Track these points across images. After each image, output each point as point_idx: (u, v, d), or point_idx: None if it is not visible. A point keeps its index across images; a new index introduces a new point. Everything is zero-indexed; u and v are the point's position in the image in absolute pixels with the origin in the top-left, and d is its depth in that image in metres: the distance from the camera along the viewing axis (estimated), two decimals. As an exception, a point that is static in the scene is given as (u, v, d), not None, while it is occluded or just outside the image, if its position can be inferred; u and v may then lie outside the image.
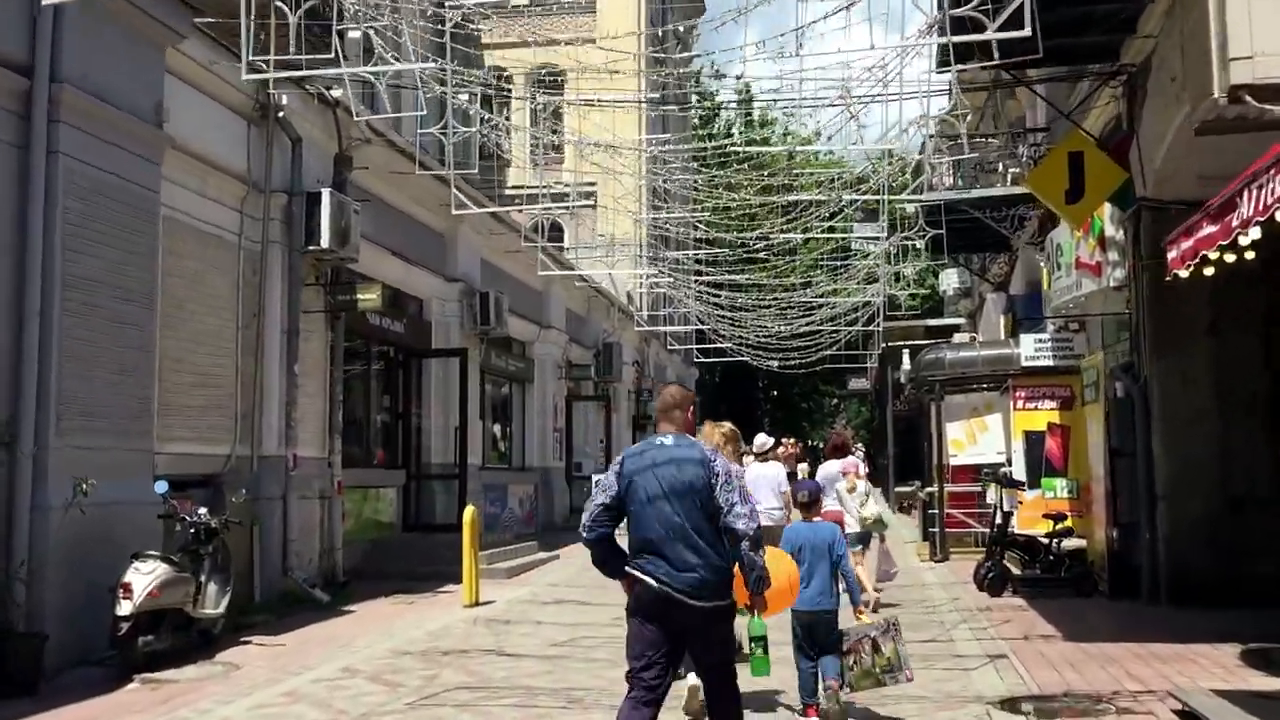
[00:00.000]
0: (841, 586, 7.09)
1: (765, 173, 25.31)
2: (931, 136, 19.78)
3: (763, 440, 13.40)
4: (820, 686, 6.81)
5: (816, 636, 6.86)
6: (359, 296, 13.08)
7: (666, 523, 5.12)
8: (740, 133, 52.55)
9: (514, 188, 32.25)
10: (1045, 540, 13.00)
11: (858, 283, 23.75)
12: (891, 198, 20.60)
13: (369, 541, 15.17)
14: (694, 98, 52.12)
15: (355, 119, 13.41)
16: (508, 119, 37.22)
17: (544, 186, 21.17)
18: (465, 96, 13.09)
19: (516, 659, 9.30)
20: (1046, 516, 13.40)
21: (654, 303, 32.36)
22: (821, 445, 37.32)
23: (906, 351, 23.12)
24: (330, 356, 13.49)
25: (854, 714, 7.10)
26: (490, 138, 15.27)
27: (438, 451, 17.16)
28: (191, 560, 9.46)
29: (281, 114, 12.32)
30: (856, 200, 19.64)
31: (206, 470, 11.37)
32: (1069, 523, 13.34)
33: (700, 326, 25.62)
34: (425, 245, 17.29)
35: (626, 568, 5.27)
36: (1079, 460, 16.02)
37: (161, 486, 9.49)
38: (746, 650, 5.57)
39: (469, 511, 12.63)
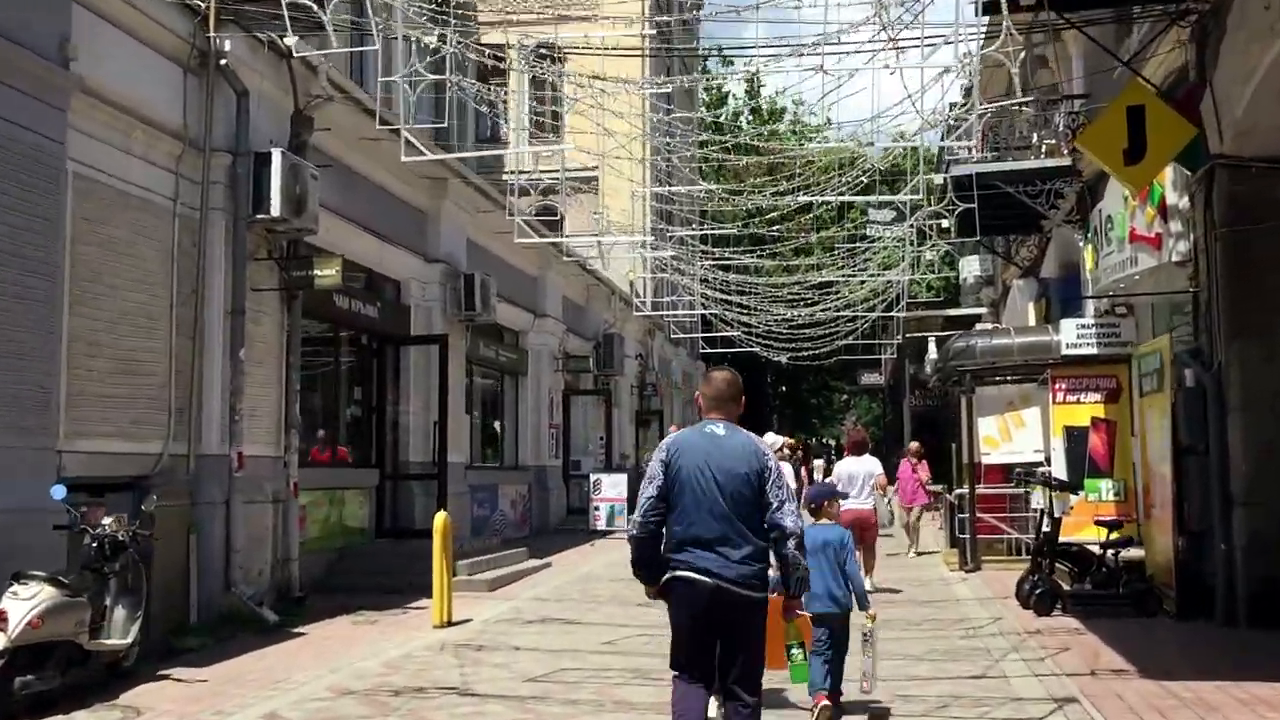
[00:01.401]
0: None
1: (773, 156, 23.89)
2: (960, 104, 18.24)
3: (773, 439, 12.84)
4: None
5: (832, 635, 6.91)
6: (316, 273, 11.47)
7: (719, 514, 5.01)
8: (748, 122, 51.18)
9: (510, 173, 30.90)
10: (1099, 551, 11.38)
11: (876, 267, 22.13)
12: (915, 179, 19.03)
13: (335, 550, 13.60)
14: (701, 75, 50.61)
15: (316, 72, 11.91)
16: (504, 101, 35.72)
17: (537, 173, 19.82)
18: (434, 39, 11.45)
19: (481, 701, 7.70)
20: (1099, 523, 11.78)
21: (658, 290, 30.76)
22: (831, 443, 35.90)
23: (933, 340, 21.41)
24: (286, 341, 11.90)
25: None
26: (470, 94, 13.63)
27: (417, 449, 15.57)
28: (94, 580, 7.90)
29: (224, 62, 10.73)
30: (876, 175, 18.00)
31: (132, 471, 9.80)
32: (1128, 530, 11.72)
33: (706, 310, 23.97)
34: (403, 222, 15.71)
35: (671, 569, 5.06)
36: (1125, 459, 14.43)
37: (59, 492, 7.91)
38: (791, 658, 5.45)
39: (440, 518, 11.04)
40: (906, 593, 13.20)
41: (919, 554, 16.77)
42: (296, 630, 10.51)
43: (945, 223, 17.79)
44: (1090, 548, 11.78)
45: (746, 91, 47.96)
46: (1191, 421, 10.55)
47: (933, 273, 19.71)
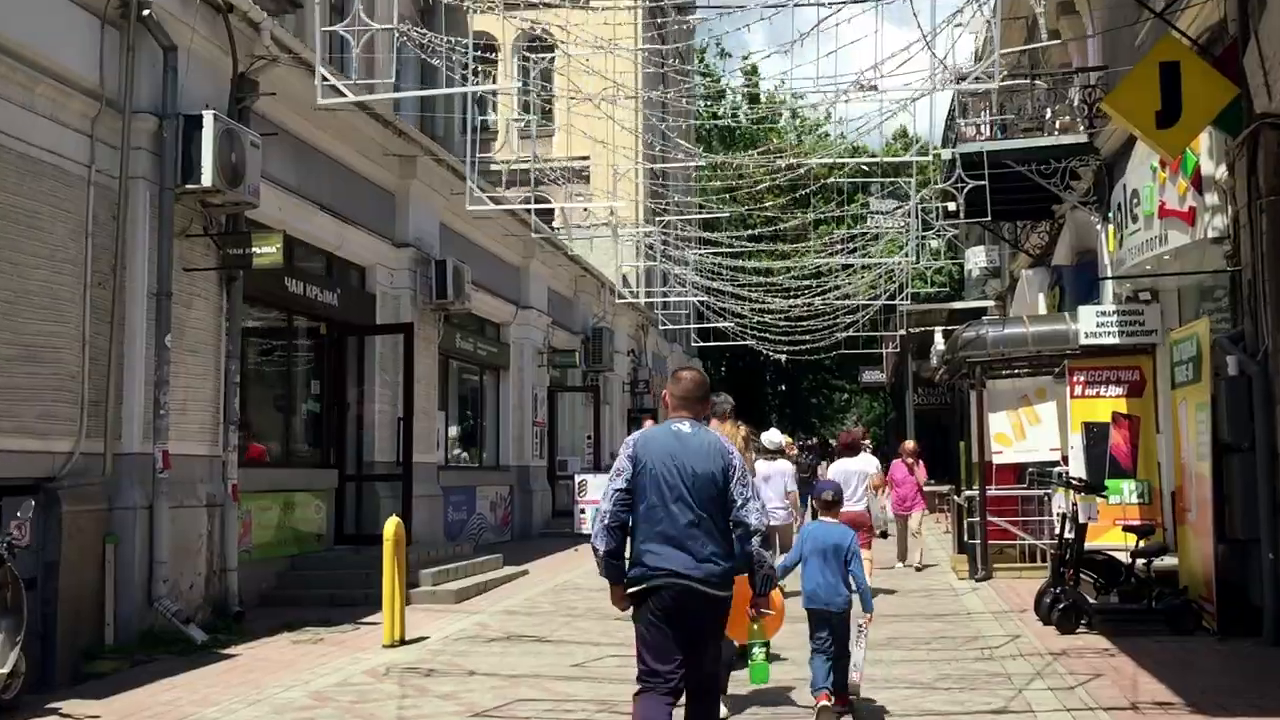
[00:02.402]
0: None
1: (772, 151, 22.70)
2: (966, 78, 17.07)
3: (777, 438, 12.20)
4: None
5: (828, 635, 6.84)
6: (254, 250, 10.28)
7: (684, 511, 5.03)
8: (747, 115, 49.99)
9: (501, 163, 29.77)
10: (1128, 560, 10.21)
11: (878, 255, 20.95)
12: (920, 159, 17.87)
13: (286, 559, 12.43)
14: (697, 76, 49.53)
15: (259, 30, 10.75)
16: (493, 92, 34.53)
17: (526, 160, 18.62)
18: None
19: (415, 743, 6.54)
20: (1128, 529, 10.60)
21: (651, 282, 29.61)
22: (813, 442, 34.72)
23: (939, 332, 20.21)
24: (225, 328, 10.73)
25: None
26: (419, 42, 12.45)
27: (383, 448, 14.39)
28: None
29: (148, 13, 9.55)
30: (875, 155, 16.85)
31: (34, 473, 8.60)
32: (1158, 536, 10.56)
33: (698, 300, 22.76)
34: (368, 203, 14.53)
35: (638, 570, 5.06)
36: (1150, 458, 13.30)
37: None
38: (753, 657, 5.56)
39: (391, 524, 9.86)
40: (913, 605, 12.03)
41: (920, 567, 15.33)
42: (227, 651, 9.33)
43: (952, 205, 16.63)
44: (1116, 555, 10.62)
45: (745, 77, 46.75)
46: (1235, 415, 9.36)
47: (937, 260, 18.41)
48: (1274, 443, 9.09)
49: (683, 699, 5.12)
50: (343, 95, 11.52)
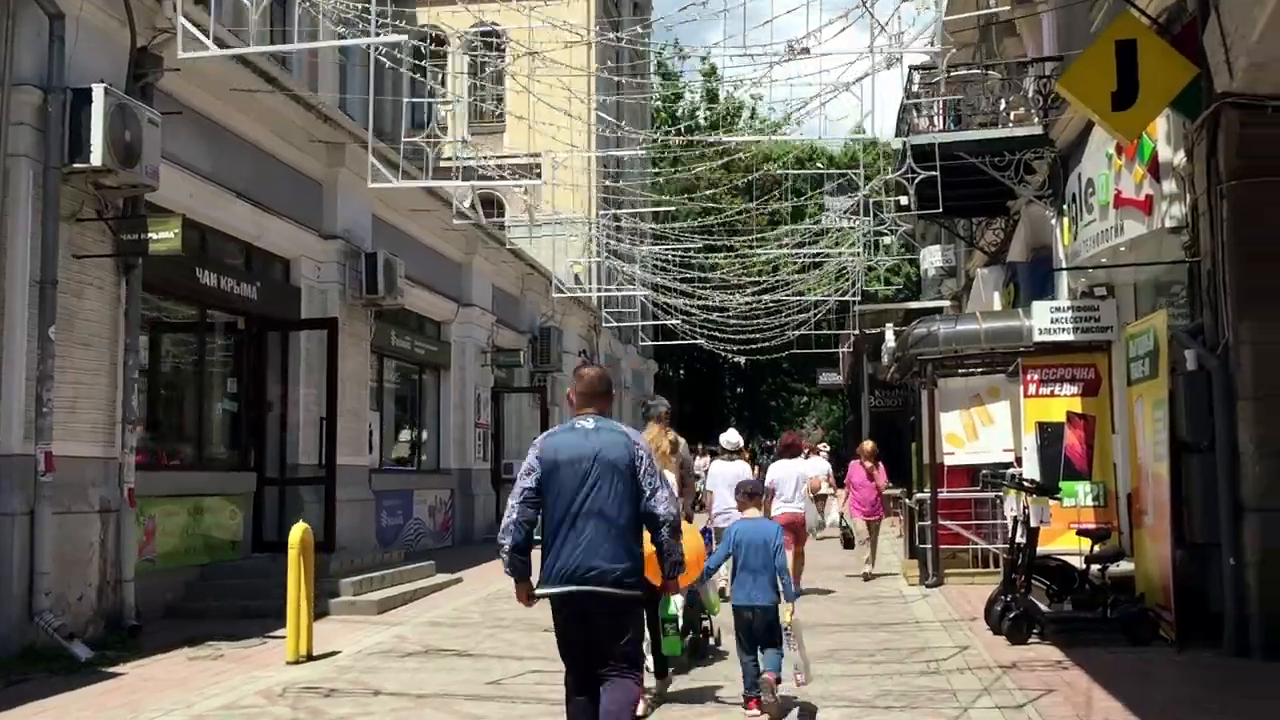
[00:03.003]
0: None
1: (729, 155, 22.16)
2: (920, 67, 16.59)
3: (735, 439, 11.86)
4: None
5: (755, 631, 6.94)
6: (151, 236, 9.52)
7: (589, 508, 5.09)
8: (705, 118, 49.53)
9: (449, 159, 29.04)
10: (1082, 565, 9.68)
11: (833, 249, 20.41)
12: (862, 137, 17.35)
13: (197, 567, 11.68)
14: (654, 76, 49.01)
15: (160, 1, 10.01)
16: (442, 83, 33.80)
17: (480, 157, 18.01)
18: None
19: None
20: (1082, 533, 10.08)
21: (604, 281, 28.97)
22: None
23: (890, 329, 19.67)
24: (123, 320, 9.97)
25: None
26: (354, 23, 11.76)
27: (309, 450, 13.62)
28: None
29: (27, -26, 8.82)
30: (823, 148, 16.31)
31: (-107, 475, 7.85)
32: (1114, 541, 10.04)
33: (644, 291, 22.12)
34: (292, 192, 13.80)
35: (546, 571, 5.13)
36: (1105, 459, 12.87)
37: None
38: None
39: (297, 531, 9.14)
40: (860, 613, 11.46)
41: (869, 576, 14.22)
42: (113, 670, 8.58)
43: (904, 199, 16.09)
44: (1070, 561, 10.09)
45: (704, 77, 46.25)
46: (1194, 412, 8.87)
47: (890, 257, 17.87)
48: (1235, 441, 8.59)
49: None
50: (249, 70, 10.76)
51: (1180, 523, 9.06)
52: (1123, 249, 10.93)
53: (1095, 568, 9.53)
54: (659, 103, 49.10)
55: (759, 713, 6.75)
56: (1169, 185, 9.99)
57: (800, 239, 19.50)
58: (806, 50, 9.48)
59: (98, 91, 9.04)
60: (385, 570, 12.98)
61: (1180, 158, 9.85)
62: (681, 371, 55.32)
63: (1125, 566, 10.15)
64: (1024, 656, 8.67)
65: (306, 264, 14.07)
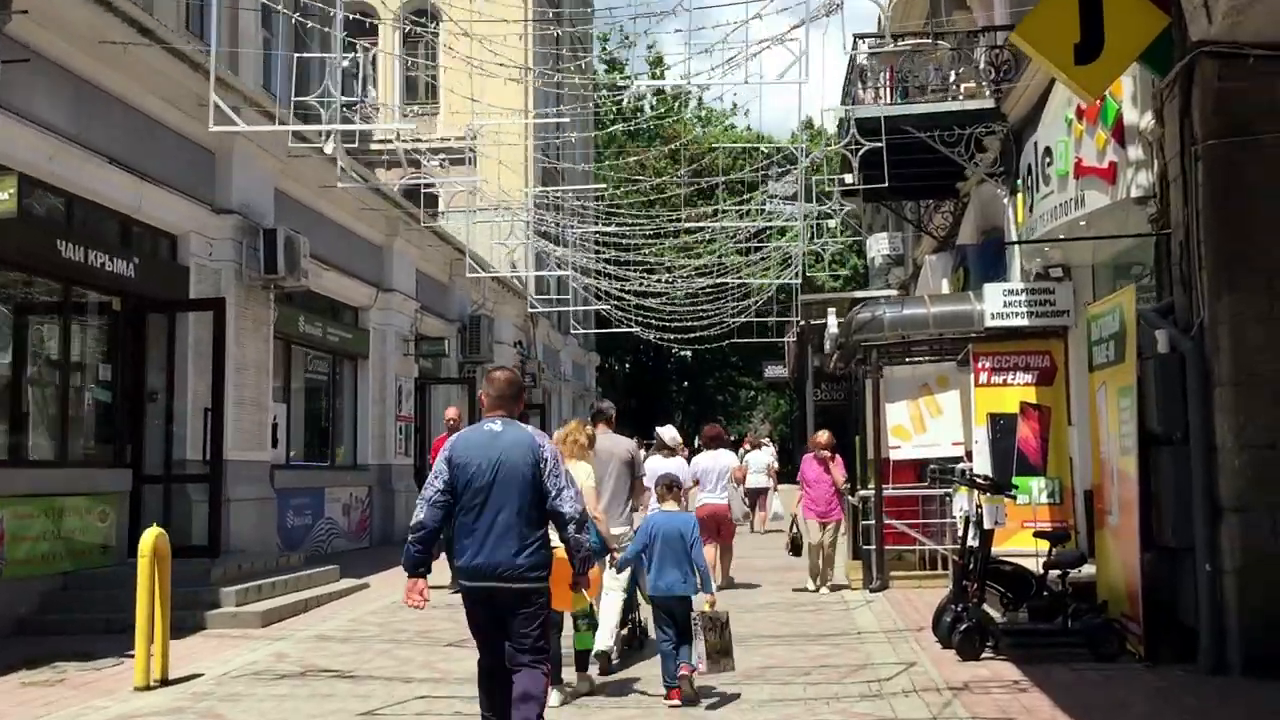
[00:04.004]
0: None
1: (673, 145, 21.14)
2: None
3: (674, 435, 11.98)
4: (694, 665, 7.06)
5: (674, 622, 7.05)
6: (-20, 196, 8.29)
7: (500, 506, 5.33)
8: (652, 108, 48.48)
9: (381, 142, 27.75)
10: (1041, 571, 8.73)
11: (776, 238, 19.43)
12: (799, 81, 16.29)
13: (58, 576, 10.41)
14: (597, 61, 47.78)
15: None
16: (373, 62, 32.44)
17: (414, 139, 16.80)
18: None
19: None
20: (1040, 535, 9.14)
21: (537, 268, 27.81)
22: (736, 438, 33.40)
23: (833, 313, 18.67)
24: (-43, 296, 8.70)
25: None
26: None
27: (198, 445, 12.33)
28: None
29: None
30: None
31: None
32: (1073, 543, 9.11)
33: (567, 272, 21.01)
34: (179, 160, 12.53)
35: (456, 566, 5.56)
36: (1061, 453, 12.00)
37: None
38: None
39: (149, 536, 7.93)
40: (797, 622, 10.44)
41: (834, 588, 12.51)
42: (-78, 700, 7.36)
43: (849, 178, 15.13)
44: (1021, 562, 9.15)
45: (651, 66, 45.19)
46: (1165, 401, 7.93)
47: (835, 239, 16.88)
48: (1211, 432, 7.67)
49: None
50: (117, 18, 9.52)
51: (1149, 524, 8.13)
52: (1083, 223, 10.01)
53: (1054, 573, 8.59)
54: (605, 92, 48.01)
55: (680, 703, 6.90)
56: (1135, 151, 9.07)
57: (740, 216, 18.49)
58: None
59: (-88, 26, 7.78)
60: (280, 576, 11.78)
61: (1148, 120, 8.93)
62: (627, 365, 54.33)
63: (1087, 570, 9.21)
64: (977, 675, 7.69)
65: (196, 240, 12.80)
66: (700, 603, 7.11)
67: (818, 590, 12.39)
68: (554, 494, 5.37)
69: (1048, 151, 10.47)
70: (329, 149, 11.52)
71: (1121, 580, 8.51)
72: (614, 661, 8.15)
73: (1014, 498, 8.60)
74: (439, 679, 8.11)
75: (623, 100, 49.78)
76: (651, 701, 7.15)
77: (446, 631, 9.88)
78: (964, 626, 8.27)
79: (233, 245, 13.21)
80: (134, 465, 11.72)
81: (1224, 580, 7.55)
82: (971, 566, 8.50)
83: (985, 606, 8.66)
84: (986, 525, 8.33)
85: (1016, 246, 12.98)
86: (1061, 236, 10.54)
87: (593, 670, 7.62)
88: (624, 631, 8.51)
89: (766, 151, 25.81)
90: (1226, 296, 7.62)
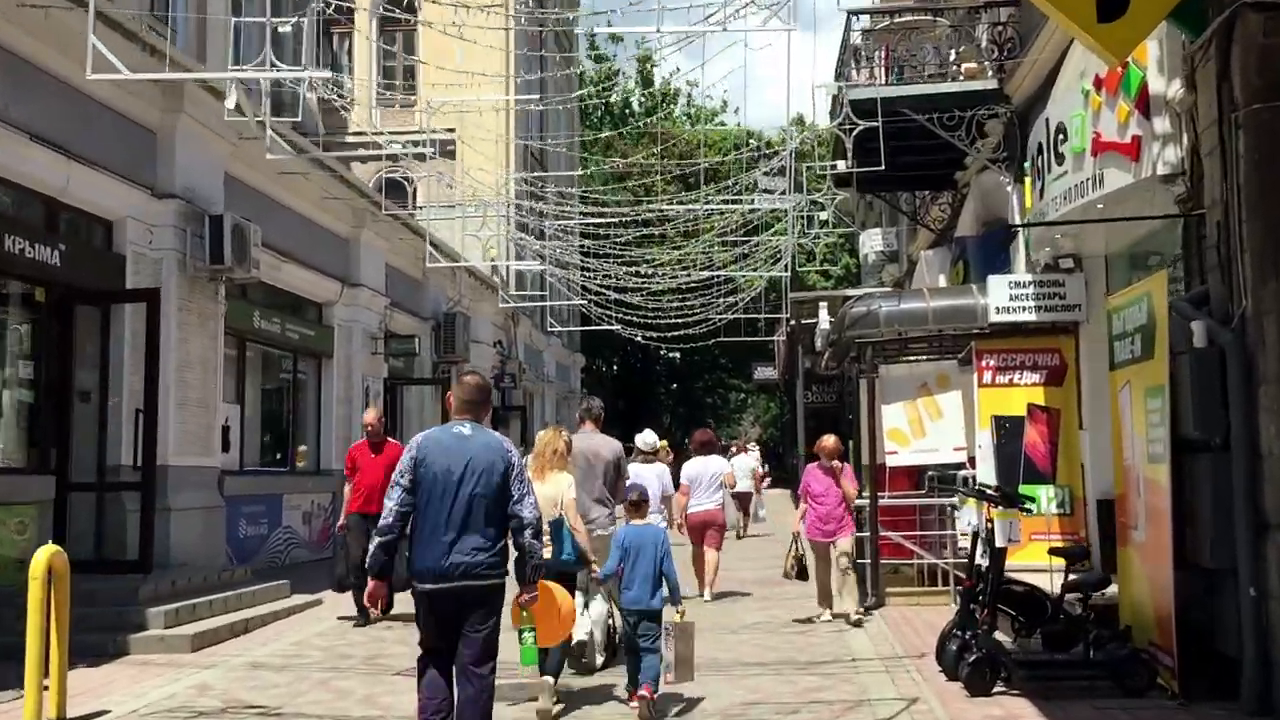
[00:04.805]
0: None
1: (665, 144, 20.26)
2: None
3: (651, 439, 11.77)
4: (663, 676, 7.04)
5: (640, 633, 7.07)
6: None
7: (463, 508, 5.41)
8: (641, 104, 47.53)
9: (355, 134, 26.77)
10: (1059, 593, 7.78)
11: (761, 226, 18.44)
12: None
13: (-34, 593, 9.39)
14: (586, 56, 46.89)
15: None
16: (349, 52, 31.38)
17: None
18: None
19: None
20: (1055, 552, 8.19)
21: (523, 272, 26.83)
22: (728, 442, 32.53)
23: (824, 308, 17.68)
24: None
25: None
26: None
27: (133, 449, 11.33)
28: None
29: None
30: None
31: None
32: (1088, 564, 8.17)
33: (540, 267, 20.05)
34: (113, 139, 11.53)
35: (414, 567, 5.48)
36: (1072, 459, 11.04)
37: None
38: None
39: (41, 555, 6.91)
40: (784, 647, 9.45)
41: (848, 619, 10.34)
42: None
43: (842, 164, 14.16)
44: (1030, 579, 8.19)
45: (639, 67, 44.24)
46: (1203, 401, 6.96)
47: (825, 231, 15.90)
48: (1255, 437, 6.71)
49: None
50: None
51: (1182, 540, 7.17)
52: (1100, 206, 9.05)
53: (1075, 596, 7.63)
54: (591, 87, 47.04)
55: (635, 703, 6.93)
56: (1162, 124, 8.11)
57: (725, 204, 17.54)
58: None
59: None
60: (221, 593, 10.77)
61: (1176, 89, 7.98)
62: (615, 366, 53.33)
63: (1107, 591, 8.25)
64: (989, 715, 6.73)
65: (134, 227, 11.79)
66: (671, 614, 7.07)
67: (829, 617, 10.54)
68: (516, 498, 5.52)
69: (1061, 128, 9.50)
70: (232, 102, 10.45)
71: (1149, 603, 7.55)
72: (597, 664, 8.21)
73: (1029, 511, 7.65)
74: (378, 716, 7.13)
75: (610, 96, 48.93)
76: (630, 711, 7.07)
77: (397, 657, 8.91)
78: (973, 657, 7.30)
79: (175, 233, 12.21)
80: (59, 471, 10.70)
81: (1270, 605, 6.58)
82: (980, 589, 7.52)
83: (997, 633, 7.70)
84: (999, 543, 7.38)
85: (1022, 237, 12.04)
86: (1079, 219, 9.57)
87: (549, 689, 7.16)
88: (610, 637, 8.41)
89: (754, 143, 24.94)
90: (1273, 282, 6.66)
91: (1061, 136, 9.51)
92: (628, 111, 46.94)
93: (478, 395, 5.76)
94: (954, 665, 7.55)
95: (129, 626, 9.44)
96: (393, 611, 9.88)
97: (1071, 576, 7.77)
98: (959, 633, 7.63)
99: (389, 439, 11.39)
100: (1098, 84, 8.71)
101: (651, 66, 46.82)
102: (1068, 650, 7.65)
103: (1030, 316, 11.03)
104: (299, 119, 12.96)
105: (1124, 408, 8.10)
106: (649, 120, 39.87)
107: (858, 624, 10.14)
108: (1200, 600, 7.14)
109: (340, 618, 10.96)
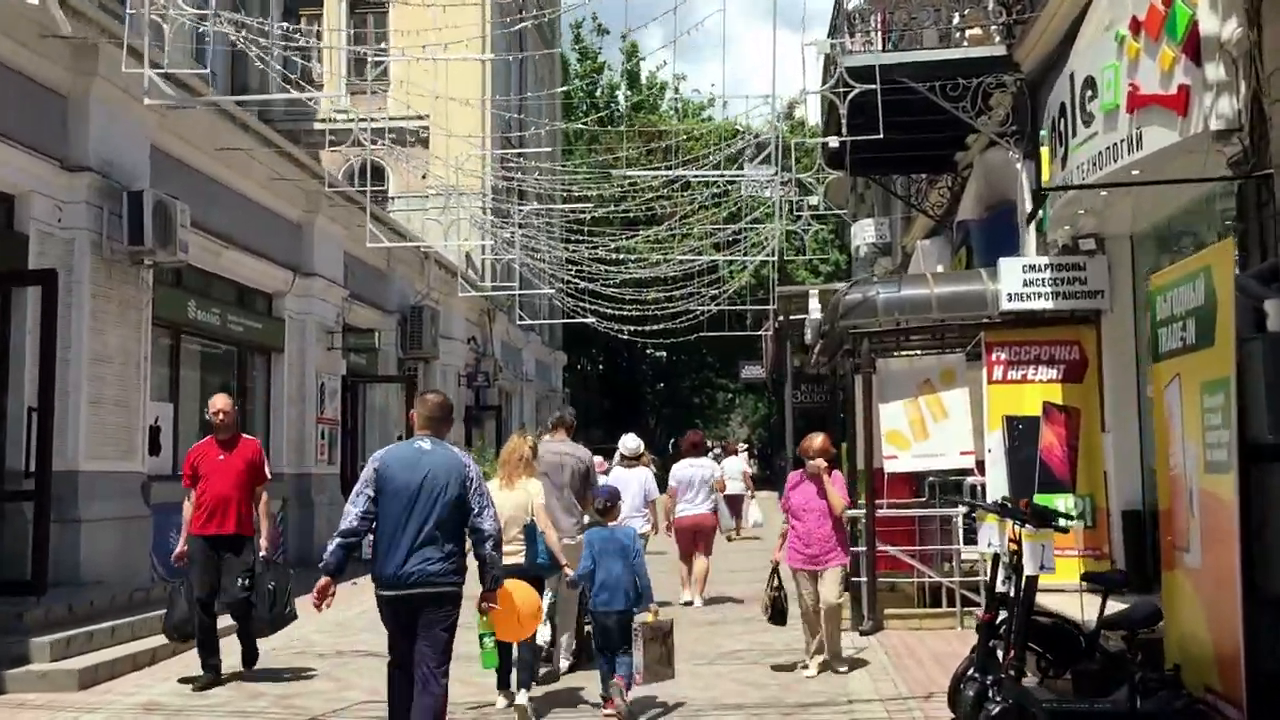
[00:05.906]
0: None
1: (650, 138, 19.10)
2: None
3: (634, 444, 11.55)
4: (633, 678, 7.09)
5: (611, 636, 7.11)
6: None
7: (422, 520, 5.69)
8: (627, 98, 46.27)
9: (324, 120, 25.50)
10: (1095, 628, 6.51)
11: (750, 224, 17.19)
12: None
13: None
14: (573, 53, 45.62)
15: None
16: (319, 36, 30.09)
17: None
18: None
19: None
20: (1090, 578, 6.93)
21: (499, 265, 25.53)
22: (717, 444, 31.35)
23: (814, 296, 16.40)
24: None
25: None
26: None
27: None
28: None
29: None
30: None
31: None
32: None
33: (511, 255, 18.79)
34: (16, 105, 10.21)
35: (376, 574, 5.77)
36: (1094, 465, 9.82)
37: None
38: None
39: None
40: (771, 687, 8.15)
41: (823, 667, 8.49)
42: None
43: (834, 141, 12.90)
44: (1055, 607, 6.95)
45: (625, 56, 43.02)
46: (1279, 399, 5.70)
47: (813, 218, 14.63)
48: (1346, 443, 5.46)
49: None
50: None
51: (1251, 566, 5.90)
52: (1136, 172, 7.79)
53: (1115, 633, 6.37)
54: (576, 81, 45.87)
55: (614, 714, 6.95)
56: (1215, 70, 6.85)
57: (710, 189, 16.32)
58: None
59: None
60: (127, 618, 9.45)
61: (1233, 28, 6.73)
62: (600, 365, 52.09)
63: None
64: (1018, 784, 5.45)
65: (40, 202, 10.45)
66: (643, 615, 7.08)
67: (814, 671, 8.38)
68: (476, 511, 5.82)
69: (1089, 83, 8.21)
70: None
71: (1206, 641, 6.27)
72: (560, 668, 8.35)
73: (1064, 529, 6.37)
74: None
75: (596, 92, 47.64)
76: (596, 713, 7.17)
77: (316, 698, 7.61)
78: (996, 709, 5.99)
79: (88, 210, 10.88)
80: (-62, 479, 9.37)
81: (1365, 650, 5.34)
82: (1008, 626, 6.23)
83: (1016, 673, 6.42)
84: (1029, 570, 6.08)
85: (1034, 218, 10.80)
86: (1103, 196, 8.31)
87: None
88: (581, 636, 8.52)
89: (740, 129, 23.71)
90: (1369, 252, 5.42)
91: (1090, 93, 8.21)
92: (612, 104, 45.77)
93: (439, 413, 6.06)
94: (971, 715, 6.27)
95: (8, 659, 8.12)
96: (255, 667, 8.60)
97: (1111, 608, 6.48)
98: (977, 676, 6.34)
99: (243, 434, 9.03)
100: (1135, 27, 7.43)
101: (637, 62, 45.66)
102: (1107, 696, 6.38)
103: (1047, 304, 9.87)
104: (207, 69, 11.59)
105: (1172, 406, 6.81)
106: (634, 114, 38.73)
107: (850, 670, 8.53)
108: (1272, 639, 5.87)
109: (181, 680, 8.44)
